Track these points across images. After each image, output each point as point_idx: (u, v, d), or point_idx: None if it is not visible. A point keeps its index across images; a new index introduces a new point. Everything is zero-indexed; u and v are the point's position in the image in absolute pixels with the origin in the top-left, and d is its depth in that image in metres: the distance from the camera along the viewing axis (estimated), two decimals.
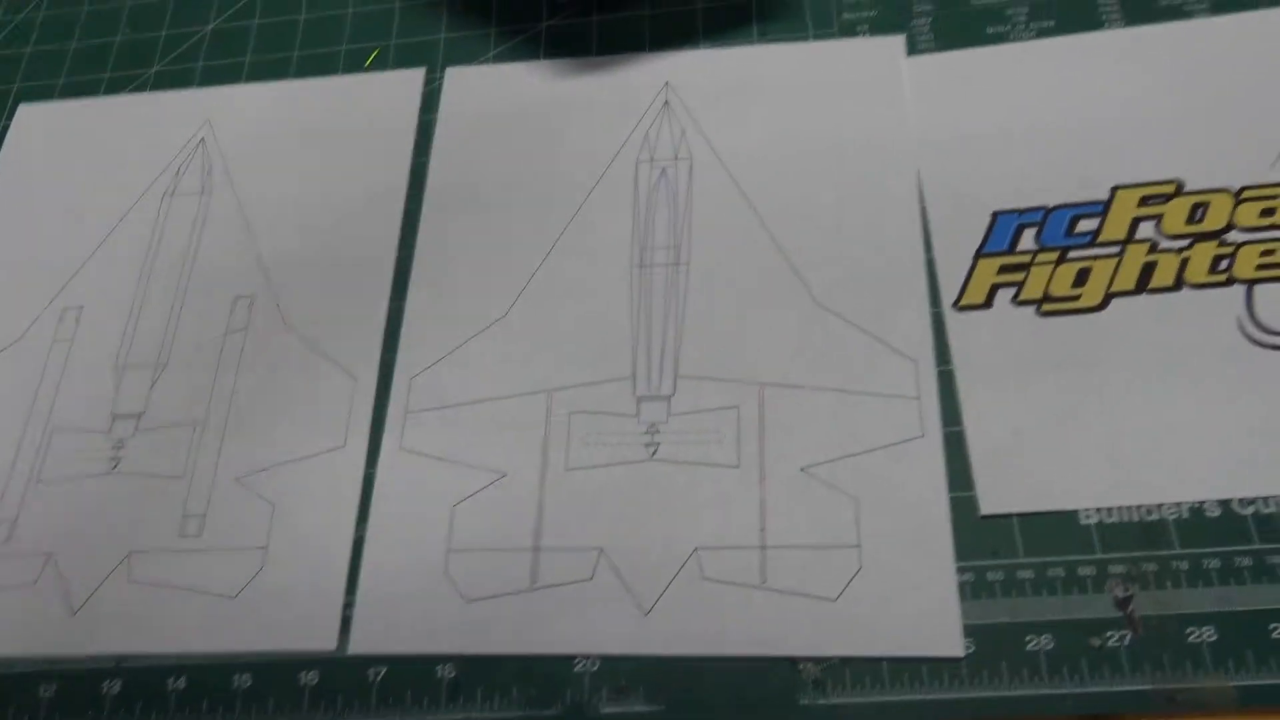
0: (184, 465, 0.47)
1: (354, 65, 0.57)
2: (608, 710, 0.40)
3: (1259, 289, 0.43)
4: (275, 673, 0.42)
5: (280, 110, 0.57)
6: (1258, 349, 0.42)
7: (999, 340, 0.44)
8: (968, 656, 0.38)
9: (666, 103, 0.53)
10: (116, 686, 0.43)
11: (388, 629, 0.42)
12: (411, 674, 0.41)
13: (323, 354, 0.49)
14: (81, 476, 0.48)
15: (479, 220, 0.51)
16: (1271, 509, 0.39)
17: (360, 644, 0.42)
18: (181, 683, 0.42)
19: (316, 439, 0.47)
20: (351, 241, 0.52)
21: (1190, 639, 0.38)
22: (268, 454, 0.47)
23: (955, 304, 0.45)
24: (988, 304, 0.45)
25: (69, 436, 0.49)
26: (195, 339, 0.50)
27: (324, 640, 0.42)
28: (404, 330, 0.49)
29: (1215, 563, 0.39)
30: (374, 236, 0.52)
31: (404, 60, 0.57)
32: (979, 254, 0.46)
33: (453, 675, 0.41)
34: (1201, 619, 0.38)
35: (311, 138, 0.55)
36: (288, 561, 0.44)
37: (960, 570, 0.40)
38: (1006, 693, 0.38)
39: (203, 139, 0.57)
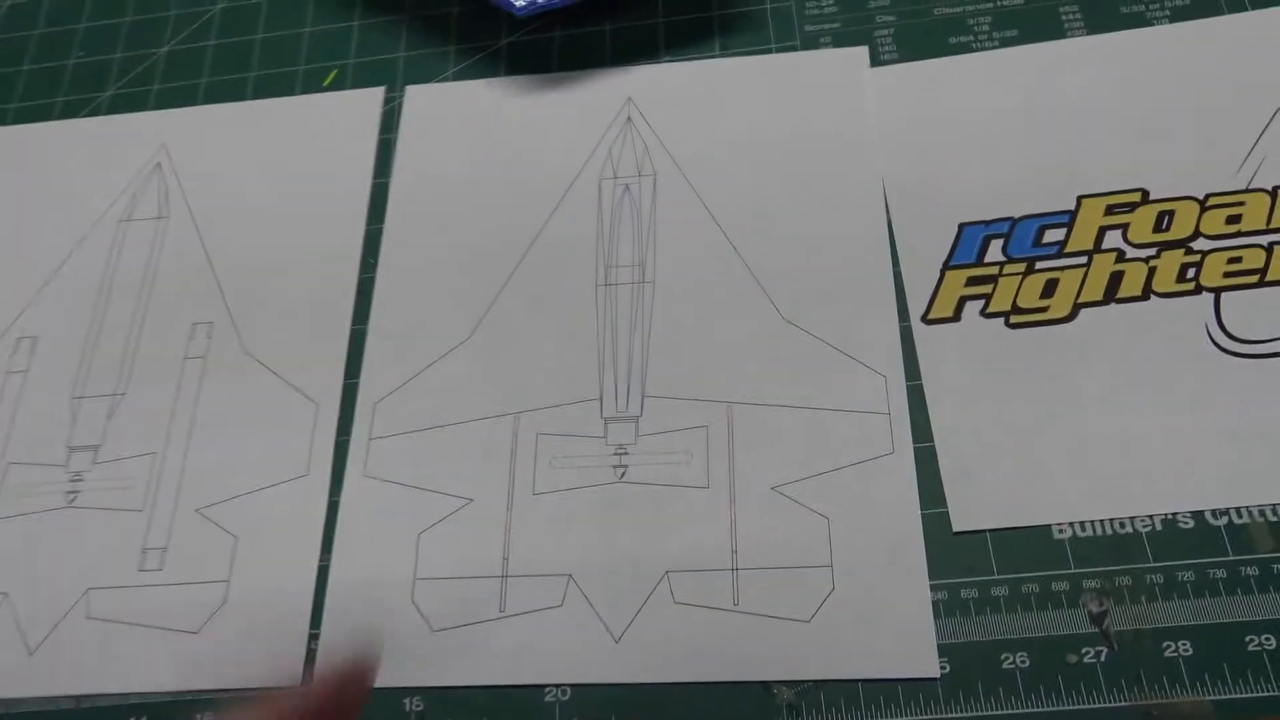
0: (143, 498, 0.46)
1: (312, 85, 0.56)
2: None
3: (1226, 296, 0.43)
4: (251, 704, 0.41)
5: (237, 132, 0.56)
6: (1227, 357, 0.42)
7: (968, 353, 0.44)
8: (943, 676, 0.38)
9: (629, 118, 0.53)
10: None
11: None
12: (379, 707, 0.40)
13: (284, 380, 0.48)
14: (37, 511, 0.47)
15: (441, 240, 0.51)
16: (1244, 520, 0.39)
17: None
18: None
19: (279, 468, 0.46)
20: (312, 265, 0.51)
21: (1167, 653, 0.37)
22: (229, 484, 0.46)
23: (924, 317, 0.45)
24: (956, 317, 0.45)
25: (24, 470, 0.48)
26: (153, 367, 0.49)
27: (289, 675, 0.41)
28: (366, 355, 0.48)
29: (1189, 575, 0.38)
30: (335, 259, 0.51)
31: (363, 79, 0.56)
32: (946, 266, 0.46)
33: (421, 708, 0.40)
34: (1177, 633, 0.38)
35: (270, 160, 0.54)
36: (251, 594, 0.43)
37: (934, 588, 0.39)
38: (983, 713, 0.37)
39: (159, 163, 0.56)
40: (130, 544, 0.45)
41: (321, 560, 0.44)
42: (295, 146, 0.55)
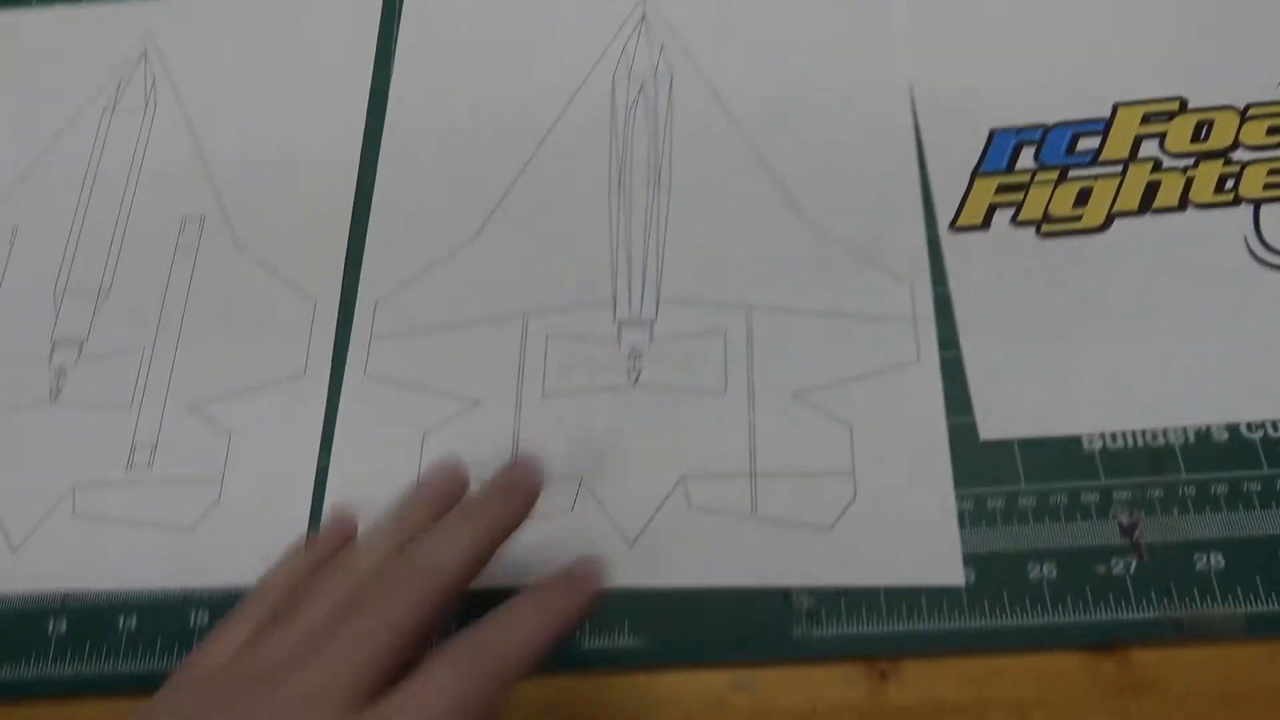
0: (131, 394, 0.44)
1: None
2: (592, 646, 0.37)
3: (1266, 209, 0.42)
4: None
5: (229, 22, 0.53)
6: (1265, 269, 0.41)
7: (997, 262, 0.42)
8: (968, 586, 0.37)
9: (644, 15, 0.50)
10: (62, 625, 0.40)
11: None
12: None
13: (280, 277, 0.46)
14: (19, 407, 0.44)
15: (446, 136, 0.48)
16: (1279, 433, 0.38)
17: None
18: (133, 621, 0.40)
19: (274, 366, 0.44)
20: (309, 158, 0.49)
21: (1198, 565, 0.36)
22: (222, 382, 0.44)
23: (951, 225, 0.43)
24: (985, 225, 0.43)
25: (6, 364, 0.45)
26: (141, 261, 0.47)
27: None
28: (367, 251, 0.46)
29: (1223, 488, 0.37)
30: (333, 153, 0.48)
31: None
32: (976, 173, 0.44)
33: None
34: (1209, 545, 0.37)
35: (264, 51, 0.52)
36: (246, 493, 0.41)
37: (960, 497, 0.38)
38: (1008, 623, 0.36)
39: (145, 52, 0.53)
40: (118, 441, 0.43)
41: (320, 461, 0.42)
42: (290, 37, 0.52)
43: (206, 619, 0.39)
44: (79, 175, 0.50)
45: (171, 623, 0.39)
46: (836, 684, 0.36)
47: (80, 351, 0.45)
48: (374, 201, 0.47)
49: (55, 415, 0.44)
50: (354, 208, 0.47)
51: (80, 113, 0.51)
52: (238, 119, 0.50)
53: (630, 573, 0.38)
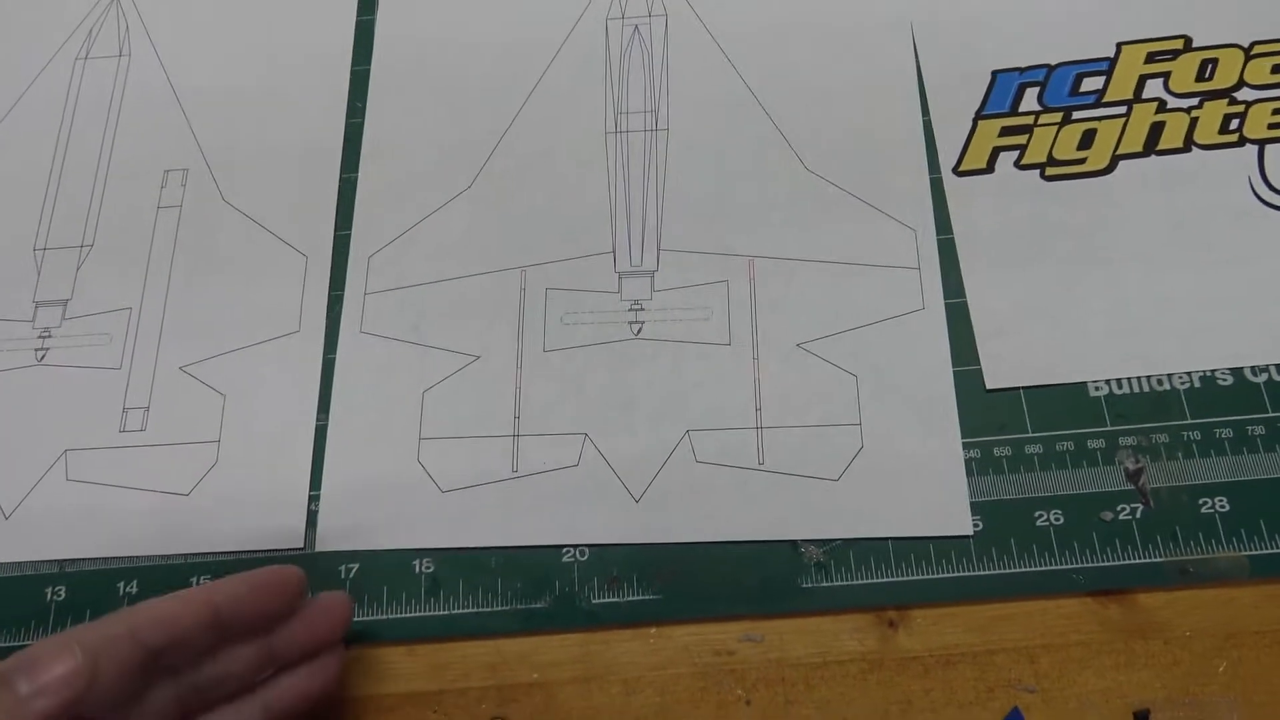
0: (120, 355, 0.43)
1: None
2: (600, 601, 0.37)
3: (1271, 149, 0.41)
4: (238, 572, 0.39)
5: None
6: (1270, 210, 0.40)
7: (1002, 206, 0.42)
8: (976, 534, 0.37)
9: None
10: (61, 592, 0.39)
11: (358, 523, 0.39)
12: (387, 569, 0.39)
13: (269, 231, 0.45)
14: (4, 369, 0.43)
15: (435, 83, 0.47)
16: None
17: (329, 540, 0.39)
18: (134, 587, 0.39)
19: (268, 323, 0.43)
20: (294, 107, 0.47)
21: (1203, 510, 0.37)
22: (215, 341, 0.43)
23: (955, 169, 0.43)
24: (989, 168, 0.42)
25: None
26: (122, 216, 0.46)
27: (289, 537, 0.39)
28: (358, 205, 0.45)
29: (1228, 432, 0.38)
30: (318, 101, 0.47)
31: None
32: (979, 116, 0.43)
33: (431, 570, 0.38)
34: (1214, 489, 0.37)
35: None
36: (244, 455, 0.41)
37: (966, 446, 0.38)
38: (1016, 570, 0.36)
39: None
40: (109, 403, 0.42)
41: (318, 420, 0.41)
42: None
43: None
44: (52, 126, 0.48)
45: (173, 588, 0.39)
46: (846, 634, 0.37)
47: (64, 311, 0.44)
48: (363, 152, 0.46)
49: (42, 377, 0.43)
50: (343, 158, 0.46)
51: (51, 60, 0.49)
52: (216, 67, 0.48)
53: (638, 529, 0.38)
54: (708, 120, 0.45)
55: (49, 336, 0.44)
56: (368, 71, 0.47)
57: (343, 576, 0.39)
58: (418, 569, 0.39)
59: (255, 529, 0.40)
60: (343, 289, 0.43)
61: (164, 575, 0.39)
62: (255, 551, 0.39)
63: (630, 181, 0.44)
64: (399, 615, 0.38)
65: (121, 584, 0.39)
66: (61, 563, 0.40)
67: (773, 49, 0.46)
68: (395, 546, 0.39)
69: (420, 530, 0.39)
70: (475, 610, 0.38)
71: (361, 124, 0.46)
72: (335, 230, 0.44)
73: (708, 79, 0.46)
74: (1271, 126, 0.41)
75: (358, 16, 0.49)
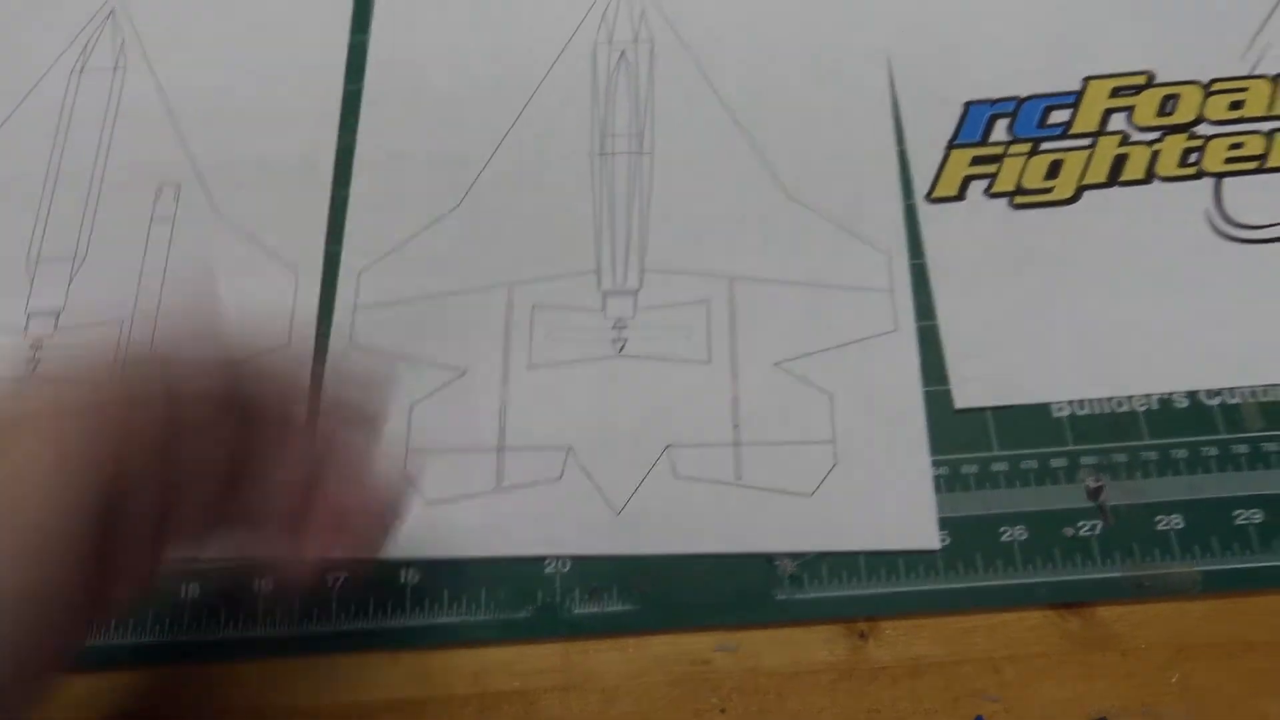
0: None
1: None
2: (581, 611, 0.39)
3: (1227, 182, 0.43)
4: (225, 581, 0.40)
5: None
6: (1225, 242, 0.42)
7: (972, 233, 0.43)
8: (943, 548, 0.39)
9: None
10: None
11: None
12: (372, 579, 0.40)
13: (260, 245, 0.46)
14: None
15: (426, 102, 0.48)
16: (1236, 400, 0.40)
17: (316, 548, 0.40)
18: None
19: (258, 337, 0.44)
20: (286, 123, 0.48)
21: (1159, 526, 0.38)
22: None
23: (928, 196, 0.44)
24: (960, 196, 0.44)
25: None
26: (116, 229, 0.46)
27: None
28: (349, 221, 0.46)
29: (1183, 453, 0.39)
30: (311, 118, 0.48)
31: None
32: (951, 144, 0.45)
33: (416, 580, 0.40)
34: (1169, 507, 0.39)
35: (236, 10, 0.51)
36: None
37: (935, 464, 0.40)
38: (981, 583, 0.38)
39: (112, 9, 0.51)
40: None
41: None
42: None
43: (197, 591, 0.40)
44: (48, 138, 0.49)
45: (162, 596, 0.40)
46: (818, 644, 0.38)
47: (57, 322, 0.45)
48: (354, 168, 0.47)
49: None
50: (334, 174, 0.47)
51: (48, 72, 0.50)
52: (211, 82, 0.49)
53: (618, 541, 0.39)
54: (691, 144, 0.46)
55: (41, 348, 0.44)
56: (360, 90, 0.49)
57: (329, 585, 0.40)
58: (403, 578, 0.40)
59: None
60: (332, 303, 0.44)
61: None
62: (241, 559, 0.40)
63: (615, 202, 0.45)
64: (383, 624, 0.39)
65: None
66: None
67: (755, 76, 0.47)
68: (380, 556, 0.40)
69: (406, 540, 0.40)
70: (459, 619, 0.39)
71: (353, 141, 0.47)
72: (326, 245, 0.45)
73: (691, 104, 0.47)
74: (1228, 161, 0.43)
75: (351, 36, 0.50)
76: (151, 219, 0.47)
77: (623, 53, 0.48)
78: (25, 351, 0.44)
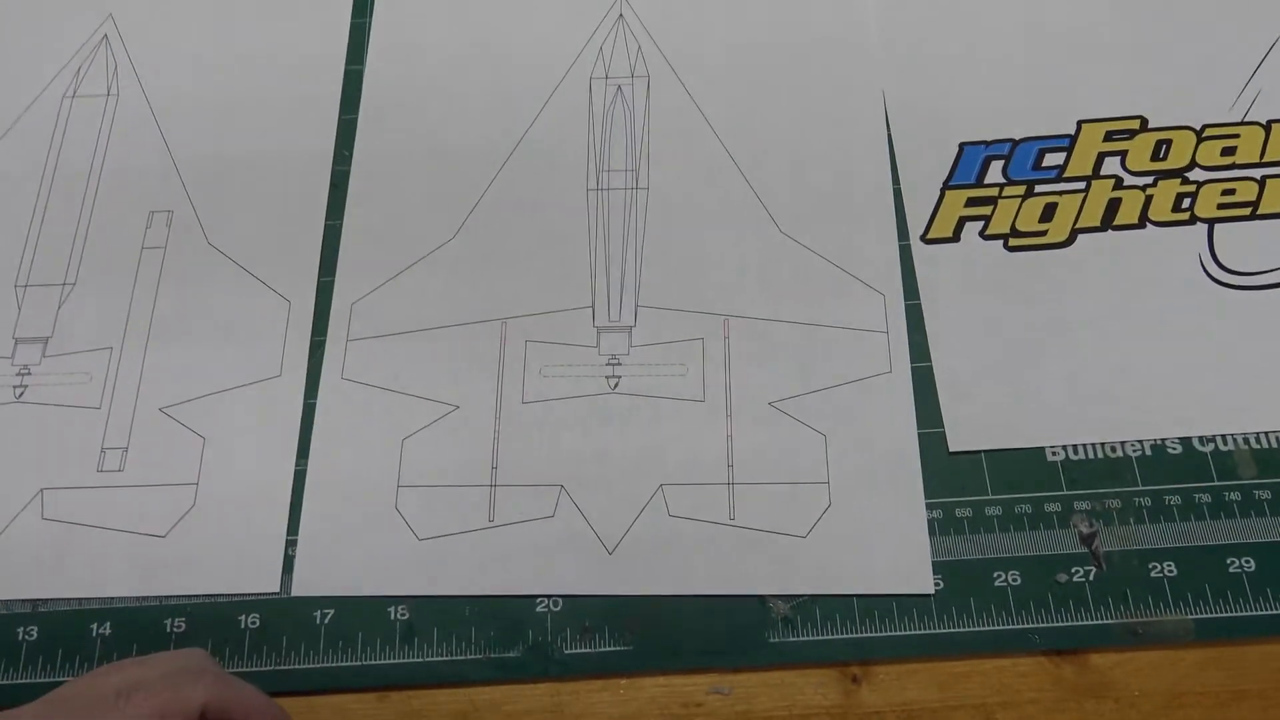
0: (100, 394, 0.43)
1: None
2: (572, 651, 0.38)
3: (1220, 228, 0.43)
4: (213, 616, 0.39)
5: (193, 7, 0.52)
6: (1219, 287, 0.42)
7: (967, 274, 0.43)
8: (937, 593, 0.38)
9: (621, 15, 0.50)
10: (34, 633, 0.39)
11: (334, 569, 0.40)
12: (363, 616, 0.39)
13: (253, 276, 0.45)
14: None
15: (421, 134, 0.48)
16: (1229, 447, 0.40)
17: (305, 585, 0.40)
18: (107, 628, 0.39)
19: (250, 367, 0.44)
20: (281, 153, 0.48)
21: (1152, 574, 0.38)
22: (196, 383, 0.43)
23: (923, 236, 0.44)
24: (955, 237, 0.44)
25: None
26: (106, 256, 0.46)
27: (265, 581, 0.40)
28: (342, 252, 0.46)
29: (1176, 499, 0.39)
30: (306, 148, 0.48)
31: None
32: (946, 185, 0.45)
33: (407, 617, 0.39)
34: (1162, 554, 0.39)
35: (231, 41, 0.51)
36: (222, 498, 0.41)
37: (929, 507, 0.40)
38: (974, 629, 0.38)
39: (105, 35, 0.51)
40: (88, 443, 0.42)
41: (298, 464, 0.42)
42: (259, 27, 0.51)
43: (183, 627, 0.39)
44: (38, 164, 0.48)
45: (146, 630, 0.39)
46: (811, 688, 0.38)
47: (45, 349, 0.44)
48: (349, 200, 0.47)
49: (20, 415, 0.43)
50: (328, 205, 0.47)
51: (40, 97, 0.50)
52: (204, 110, 0.49)
53: (610, 581, 0.39)
54: (686, 181, 0.46)
55: (28, 374, 0.44)
56: (355, 121, 0.48)
57: (318, 622, 0.39)
58: (393, 615, 0.39)
59: (232, 573, 0.40)
60: (325, 335, 0.44)
61: (138, 617, 0.39)
62: (231, 595, 0.40)
63: (610, 238, 0.45)
64: (372, 661, 0.38)
65: (94, 625, 0.39)
66: (34, 602, 0.40)
67: (749, 113, 0.47)
68: (371, 593, 0.40)
69: (396, 577, 0.40)
70: (448, 658, 0.38)
71: (348, 172, 0.47)
72: (319, 276, 0.45)
73: (687, 140, 0.47)
74: (1220, 206, 0.44)
75: (346, 66, 0.50)
76: (143, 246, 0.46)
77: (619, 88, 0.48)
78: (12, 379, 0.44)
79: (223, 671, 0.33)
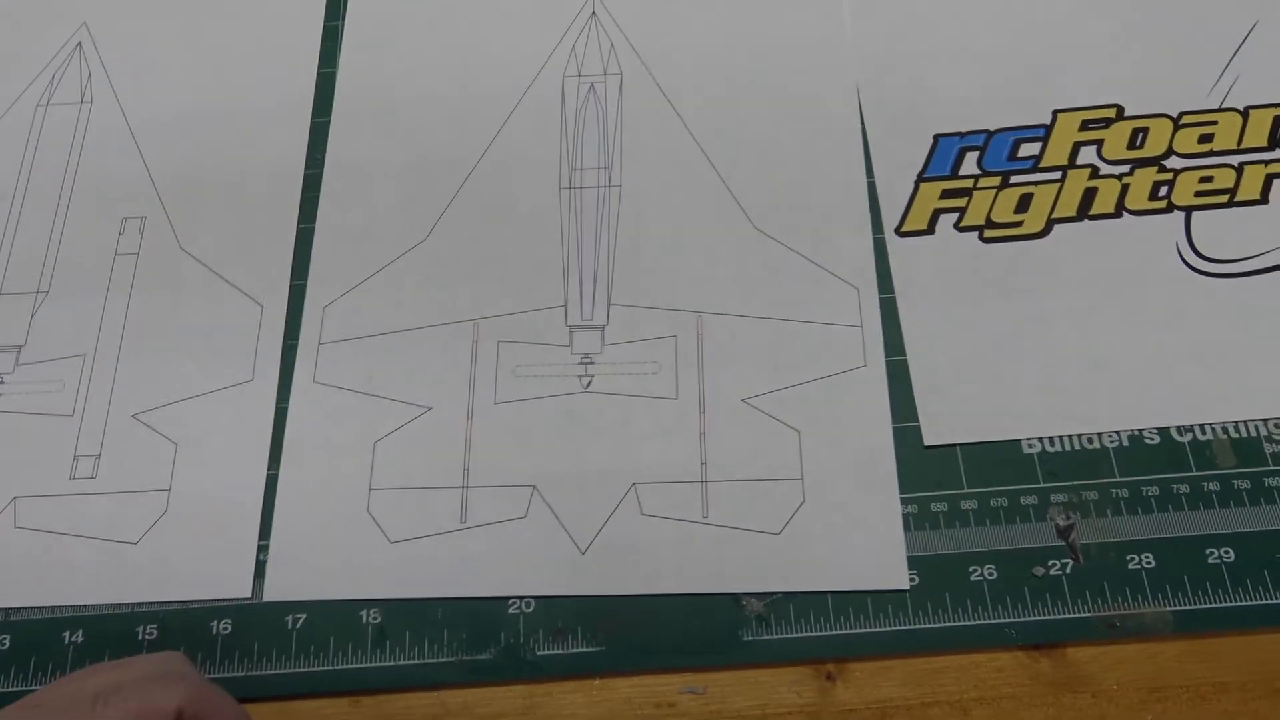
0: (73, 402, 0.43)
1: None
2: (545, 652, 0.38)
3: (1197, 216, 0.43)
4: (184, 622, 0.39)
5: (167, 14, 0.52)
6: (1196, 275, 0.42)
7: (941, 267, 0.43)
8: (912, 588, 0.38)
9: (594, 13, 0.50)
10: (6, 641, 0.39)
11: (306, 573, 0.40)
12: (334, 620, 0.39)
13: (225, 280, 0.45)
14: None
15: (393, 137, 0.48)
16: (1207, 436, 0.40)
17: (276, 590, 0.40)
18: (79, 636, 0.39)
19: (222, 372, 0.43)
20: (253, 157, 0.48)
21: (1130, 566, 0.38)
22: (168, 389, 0.43)
23: (897, 229, 0.44)
24: (930, 229, 0.44)
25: None
26: (80, 263, 0.46)
27: (237, 587, 0.40)
28: (314, 255, 0.45)
29: (1154, 490, 0.39)
30: (278, 152, 0.48)
31: None
32: (921, 178, 0.45)
33: (379, 620, 0.39)
34: (1140, 546, 0.38)
35: (204, 45, 0.51)
36: (194, 504, 0.41)
37: (904, 501, 0.39)
38: (950, 624, 0.37)
39: (79, 43, 0.51)
40: (60, 450, 0.42)
41: (270, 469, 0.42)
42: (232, 31, 0.51)
43: (155, 634, 0.39)
44: (12, 172, 0.48)
45: (118, 637, 0.39)
46: (785, 686, 0.37)
47: (18, 358, 0.44)
48: (321, 203, 0.46)
49: None
50: (300, 208, 0.47)
51: (13, 106, 0.50)
52: (177, 115, 0.49)
53: (583, 581, 0.39)
54: (659, 178, 0.46)
55: (1, 383, 0.44)
56: (327, 123, 0.48)
57: (290, 627, 0.39)
58: (365, 619, 0.39)
59: (203, 579, 0.40)
60: (297, 338, 0.44)
61: (110, 625, 0.39)
62: (202, 601, 0.39)
63: (583, 236, 0.45)
64: (345, 666, 0.38)
65: (67, 633, 0.39)
66: (6, 611, 0.40)
67: (723, 109, 0.47)
68: (343, 597, 0.39)
69: (369, 581, 0.40)
70: (421, 661, 0.38)
71: (320, 175, 0.47)
72: (291, 280, 0.45)
73: (660, 137, 0.47)
74: (1198, 194, 0.43)
75: (319, 69, 0.50)
76: (116, 253, 0.46)
77: (592, 85, 0.48)
78: None
79: (200, 676, 0.33)
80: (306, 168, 0.47)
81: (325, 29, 0.51)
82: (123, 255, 0.46)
